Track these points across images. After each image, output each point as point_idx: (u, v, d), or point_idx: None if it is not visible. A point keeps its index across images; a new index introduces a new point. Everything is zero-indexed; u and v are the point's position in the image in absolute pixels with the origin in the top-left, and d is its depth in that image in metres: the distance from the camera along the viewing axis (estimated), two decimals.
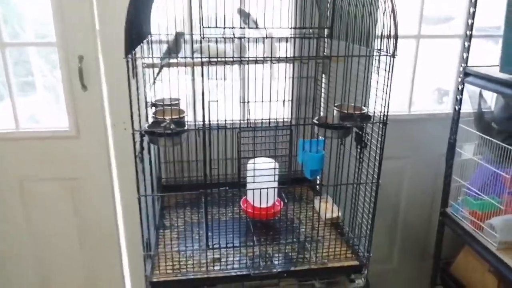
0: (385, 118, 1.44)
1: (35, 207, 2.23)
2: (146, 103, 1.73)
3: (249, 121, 1.40)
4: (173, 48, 1.58)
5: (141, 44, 1.52)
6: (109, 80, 2.05)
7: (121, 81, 1.34)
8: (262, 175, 1.59)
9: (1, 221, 2.23)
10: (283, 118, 1.34)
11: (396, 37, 1.32)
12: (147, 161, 1.64)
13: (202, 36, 1.19)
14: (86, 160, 2.18)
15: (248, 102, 1.37)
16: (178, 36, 1.55)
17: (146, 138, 1.50)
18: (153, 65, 1.63)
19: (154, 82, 1.79)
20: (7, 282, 2.35)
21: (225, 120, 1.35)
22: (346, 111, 1.45)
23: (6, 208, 2.21)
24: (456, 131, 2.22)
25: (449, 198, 2.32)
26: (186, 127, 1.36)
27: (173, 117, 1.32)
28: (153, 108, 1.93)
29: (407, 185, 2.58)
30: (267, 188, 1.54)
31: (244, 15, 1.87)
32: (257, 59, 1.27)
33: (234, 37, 1.23)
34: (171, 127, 1.29)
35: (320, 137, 1.58)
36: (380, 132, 1.45)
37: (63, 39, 1.99)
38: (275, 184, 1.74)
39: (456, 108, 2.19)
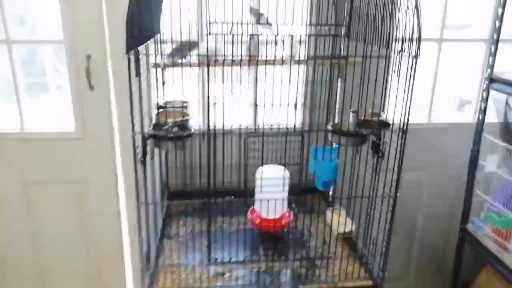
0: (405, 126, 1.32)
1: (38, 210, 2.17)
2: (150, 105, 1.65)
3: (257, 126, 1.30)
4: (180, 48, 1.50)
5: (147, 43, 1.45)
6: (117, 81, 1.99)
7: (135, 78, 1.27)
8: (271, 185, 1.49)
9: (3, 224, 2.17)
10: (294, 124, 1.24)
11: (419, 36, 1.22)
12: (152, 165, 1.56)
13: (208, 32, 1.11)
14: (92, 163, 2.12)
15: (256, 105, 1.27)
16: (188, 40, 1.47)
17: (150, 142, 1.43)
18: (164, 65, 1.56)
19: (163, 83, 1.72)
20: (8, 286, 2.29)
21: (231, 125, 1.25)
22: (363, 117, 1.34)
23: (9, 211, 2.16)
24: (479, 142, 2.09)
25: (470, 213, 2.18)
26: (191, 131, 1.27)
27: (176, 120, 1.23)
28: (161, 110, 1.86)
29: (424, 198, 2.45)
30: (275, 199, 1.44)
31: (257, 14, 1.78)
32: (267, 60, 1.18)
33: (243, 34, 1.14)
34: (174, 130, 1.21)
35: (334, 144, 1.47)
36: (399, 141, 1.34)
37: (70, 37, 1.93)
38: (285, 194, 1.64)
39: (480, 117, 2.06)
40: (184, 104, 1.88)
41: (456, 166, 2.33)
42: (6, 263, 2.24)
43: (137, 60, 1.22)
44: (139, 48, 1.31)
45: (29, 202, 2.14)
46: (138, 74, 1.21)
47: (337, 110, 1.86)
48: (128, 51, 1.12)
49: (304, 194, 1.82)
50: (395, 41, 1.28)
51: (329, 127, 1.55)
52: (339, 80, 1.87)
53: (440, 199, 2.44)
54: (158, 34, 1.83)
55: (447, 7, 2.16)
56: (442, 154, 2.36)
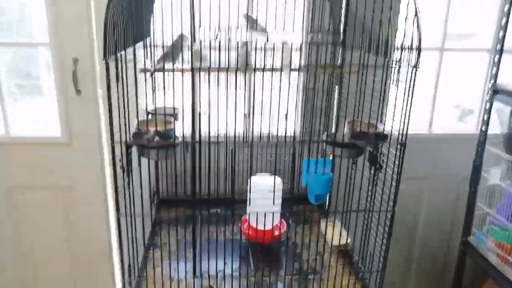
0: (403, 139, 1.25)
1: (24, 217, 2.10)
2: (137, 111, 1.57)
3: (246, 135, 1.23)
4: (170, 52, 1.43)
5: (134, 46, 1.37)
6: (105, 85, 1.91)
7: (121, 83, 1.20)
8: (264, 195, 1.42)
9: None
10: (285, 134, 1.16)
11: (419, 45, 1.15)
12: (140, 173, 1.48)
13: (193, 39, 1.04)
14: (79, 169, 2.05)
15: (245, 115, 1.20)
16: (178, 40, 1.40)
17: (135, 149, 1.35)
18: (153, 70, 1.49)
19: (153, 89, 1.65)
20: None
21: (219, 134, 1.18)
22: (358, 129, 1.27)
23: None
24: (482, 154, 2.01)
25: (472, 226, 2.10)
26: (174, 140, 1.19)
27: (158, 129, 1.16)
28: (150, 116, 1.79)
29: (424, 209, 2.37)
30: (268, 210, 1.36)
31: (251, 21, 1.72)
32: (256, 68, 1.11)
33: (230, 40, 1.07)
34: (155, 139, 1.13)
35: (329, 156, 1.40)
36: (398, 154, 1.27)
37: (57, 40, 1.86)
38: (278, 204, 1.57)
39: (483, 128, 1.99)
40: (174, 112, 1.82)
41: (457, 177, 2.25)
42: None
43: (119, 65, 1.14)
44: (123, 53, 1.24)
45: (14, 207, 2.07)
46: (119, 79, 1.14)
47: (333, 119, 1.78)
48: (106, 55, 1.04)
49: (298, 204, 1.75)
50: (394, 50, 1.20)
51: (324, 138, 1.48)
52: (336, 88, 1.80)
53: (441, 210, 2.36)
54: (148, 38, 1.76)
55: (449, 15, 2.09)
56: (443, 165, 2.28)
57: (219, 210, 1.31)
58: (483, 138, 2.00)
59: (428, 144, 2.23)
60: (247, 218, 1.67)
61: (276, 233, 1.66)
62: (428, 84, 2.21)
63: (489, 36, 2.17)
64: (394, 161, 1.28)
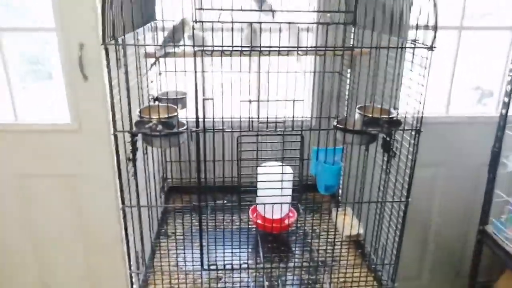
0: (418, 125, 1.18)
1: (33, 204, 2.10)
2: (140, 97, 1.53)
3: (252, 122, 1.18)
4: (172, 36, 1.37)
5: (136, 31, 1.33)
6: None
7: (128, 69, 1.16)
8: (273, 183, 1.37)
9: None
10: (293, 122, 1.11)
11: (436, 25, 1.07)
12: (146, 160, 1.45)
13: (194, 20, 0.99)
14: (88, 156, 2.03)
15: (250, 101, 1.15)
16: (181, 23, 1.34)
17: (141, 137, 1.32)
18: (157, 55, 1.44)
19: (159, 74, 1.60)
20: (6, 282, 2.25)
21: (222, 119, 1.13)
22: (370, 115, 1.20)
23: (3, 205, 2.09)
24: (502, 139, 1.92)
25: (490, 215, 2.03)
26: (177, 128, 1.15)
27: (161, 116, 1.11)
28: (156, 102, 1.76)
29: (440, 197, 2.29)
30: (275, 202, 1.32)
31: (261, 1, 1.65)
32: (261, 51, 1.05)
33: (233, 21, 1.01)
34: (158, 128, 1.09)
35: (339, 143, 1.34)
36: (412, 141, 1.20)
37: (62, 25, 1.82)
38: (289, 192, 1.52)
39: (503, 112, 1.89)
40: (182, 96, 1.78)
41: (475, 163, 2.17)
42: (3, 256, 2.19)
43: (120, 50, 1.09)
44: (125, 37, 1.20)
45: (23, 194, 2.07)
46: (121, 65, 1.09)
47: (346, 103, 1.71)
48: (104, 41, 1.00)
49: (309, 192, 1.70)
50: (408, 29, 1.13)
51: (334, 123, 1.42)
52: (348, 71, 1.73)
53: (457, 197, 2.28)
54: (153, 22, 1.71)
55: None
56: (460, 150, 2.20)
57: (225, 201, 1.27)
58: (503, 122, 1.91)
59: (444, 128, 2.15)
60: (256, 208, 1.63)
61: (286, 222, 1.62)
62: (445, 65, 2.12)
63: (506, 15, 2.05)
64: (408, 148, 1.22)
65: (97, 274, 2.25)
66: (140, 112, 1.17)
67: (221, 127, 1.12)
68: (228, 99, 1.14)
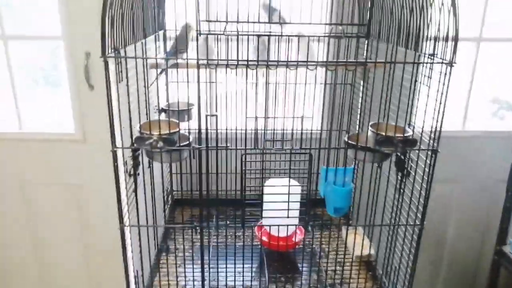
0: (435, 144, 1.11)
1: (37, 214, 2.07)
2: (145, 109, 1.49)
3: (257, 139, 1.12)
4: (179, 45, 1.33)
5: (144, 41, 1.28)
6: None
7: (132, 81, 1.12)
8: (278, 201, 1.31)
9: (1, 228, 2.08)
10: (301, 135, 1.05)
11: (456, 39, 1.00)
12: (150, 175, 1.40)
13: (198, 32, 0.94)
14: (92, 166, 1.99)
15: (256, 118, 1.09)
16: (183, 31, 1.29)
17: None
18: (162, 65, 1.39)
19: (167, 84, 1.55)
20: (10, 286, 2.22)
21: (226, 135, 1.07)
22: (384, 133, 1.13)
23: (7, 214, 2.07)
24: None
25: (508, 234, 1.93)
26: (179, 144, 1.10)
27: (162, 132, 1.06)
28: (162, 114, 1.71)
29: (454, 215, 2.20)
30: (282, 218, 1.25)
31: (271, 11, 1.60)
32: (269, 64, 0.99)
33: (238, 33, 0.95)
34: (158, 145, 1.04)
35: (349, 162, 1.27)
36: (428, 161, 1.13)
37: (69, 33, 1.79)
38: (296, 209, 1.46)
39: None
40: (189, 107, 1.73)
41: (492, 179, 2.08)
42: (7, 263, 2.16)
43: (120, 63, 1.05)
44: (128, 48, 1.15)
45: (27, 204, 2.04)
46: (121, 79, 1.05)
47: (358, 118, 1.64)
48: (104, 53, 0.95)
49: (317, 208, 1.63)
50: (426, 42, 1.06)
51: (345, 139, 1.35)
52: (361, 83, 1.66)
53: (472, 215, 2.19)
54: (162, 31, 1.67)
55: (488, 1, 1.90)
56: (476, 166, 2.11)
57: (230, 216, 1.21)
58: None
59: (461, 143, 2.06)
60: (262, 224, 1.57)
61: (293, 240, 1.56)
62: (461, 77, 2.03)
63: None
64: (424, 169, 1.14)
65: (99, 283, 2.20)
66: (140, 127, 1.12)
67: (225, 145, 1.06)
68: (234, 114, 1.09)
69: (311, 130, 1.28)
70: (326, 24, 1.27)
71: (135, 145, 1.09)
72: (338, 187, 1.25)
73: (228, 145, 1.05)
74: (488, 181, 2.11)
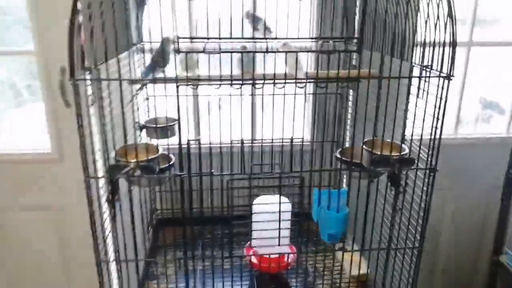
0: (433, 162, 1.04)
1: (11, 240, 1.95)
2: (125, 128, 1.39)
3: (244, 166, 1.04)
4: (159, 60, 1.24)
5: (120, 56, 1.19)
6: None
7: (108, 100, 1.03)
8: (268, 220, 1.23)
9: None
10: (291, 158, 0.97)
11: (453, 51, 0.94)
12: (131, 195, 1.31)
13: (176, 50, 0.86)
14: (71, 187, 1.88)
15: (242, 143, 1.01)
16: (164, 44, 1.21)
17: None
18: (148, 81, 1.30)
19: (147, 99, 1.46)
20: None
21: (211, 160, 0.99)
22: (379, 153, 1.06)
23: None
24: None
25: (504, 244, 1.88)
26: (159, 169, 1.01)
27: (140, 160, 0.97)
28: (143, 131, 1.62)
29: (447, 223, 2.15)
30: (272, 238, 1.16)
31: (256, 20, 1.52)
32: (254, 81, 0.91)
33: (221, 51, 0.87)
34: (136, 174, 0.95)
35: (344, 186, 1.19)
36: (426, 180, 1.06)
37: (42, 48, 1.69)
38: (287, 227, 1.37)
39: None
40: (172, 123, 1.64)
41: (486, 186, 2.03)
42: None
43: (93, 83, 0.96)
44: (101, 67, 1.06)
45: (1, 231, 1.92)
46: (93, 102, 0.96)
47: (348, 129, 1.57)
48: (73, 75, 0.86)
49: (309, 224, 1.54)
50: (421, 52, 1.00)
51: (337, 154, 1.28)
52: (350, 92, 1.59)
53: (466, 224, 2.14)
54: (140, 44, 1.59)
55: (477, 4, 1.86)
56: (469, 173, 2.06)
57: (218, 235, 1.12)
58: None
59: (452, 149, 2.01)
60: (252, 245, 1.48)
61: (285, 260, 1.48)
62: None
63: None
64: (423, 188, 1.07)
65: None
66: (116, 154, 1.03)
67: (209, 170, 0.98)
68: (218, 133, 1.00)
69: (302, 144, 1.21)
70: (316, 38, 1.19)
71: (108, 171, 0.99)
72: (333, 212, 1.17)
73: (212, 170, 0.97)
74: (482, 188, 2.07)
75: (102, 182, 1.03)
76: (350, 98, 1.61)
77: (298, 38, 1.04)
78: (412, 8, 1.02)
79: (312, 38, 1.21)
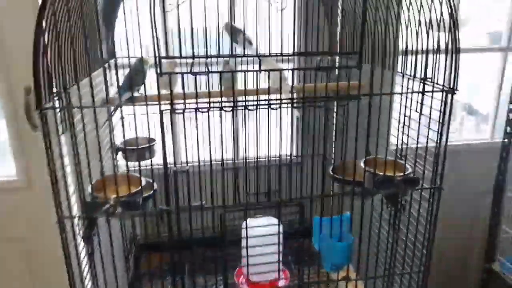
0: (438, 180, 0.98)
1: None
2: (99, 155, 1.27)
3: (237, 198, 0.94)
4: (135, 78, 1.14)
5: (92, 75, 1.08)
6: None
7: (84, 120, 0.92)
8: (261, 240, 1.13)
9: None
10: (290, 184, 0.88)
11: (456, 62, 0.88)
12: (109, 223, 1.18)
13: (158, 71, 0.76)
14: (40, 217, 1.73)
15: (236, 174, 0.91)
16: (138, 64, 1.11)
17: None
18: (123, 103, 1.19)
19: (122, 118, 1.35)
20: None
21: (200, 191, 0.89)
22: (382, 173, 0.99)
23: None
24: (506, 169, 1.76)
25: (496, 252, 1.85)
26: (142, 203, 0.90)
27: (121, 195, 0.86)
28: (120, 153, 1.51)
29: (437, 231, 2.10)
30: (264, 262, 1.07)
31: (236, 32, 1.44)
32: (235, 104, 0.82)
33: (197, 73, 0.78)
34: (117, 211, 0.84)
35: (346, 211, 1.10)
36: (431, 199, 1.00)
37: (5, 65, 1.55)
38: (280, 250, 1.28)
39: (505, 140, 1.74)
40: (151, 144, 1.53)
41: (474, 193, 2.00)
42: None
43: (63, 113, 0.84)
44: (71, 91, 0.95)
45: None
46: (63, 130, 0.84)
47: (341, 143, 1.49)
48: (40, 103, 0.75)
49: (303, 242, 1.45)
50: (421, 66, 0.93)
51: (330, 172, 1.20)
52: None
53: (455, 232, 2.10)
54: (112, 60, 1.47)
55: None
56: (457, 180, 2.03)
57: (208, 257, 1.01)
58: (506, 152, 1.75)
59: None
60: (242, 270, 1.38)
61: (279, 285, 1.38)
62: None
63: (487, 23, 1.91)
64: (428, 208, 1.01)
65: None
66: (92, 188, 0.91)
67: (199, 202, 0.87)
68: (207, 158, 0.90)
69: (290, 160, 1.12)
70: (316, 53, 1.10)
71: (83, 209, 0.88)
72: (335, 242, 1.08)
73: (203, 202, 0.87)
74: (470, 195, 2.04)
75: (72, 222, 0.91)
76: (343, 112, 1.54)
77: (288, 54, 0.96)
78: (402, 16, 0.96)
79: (300, 54, 1.13)
